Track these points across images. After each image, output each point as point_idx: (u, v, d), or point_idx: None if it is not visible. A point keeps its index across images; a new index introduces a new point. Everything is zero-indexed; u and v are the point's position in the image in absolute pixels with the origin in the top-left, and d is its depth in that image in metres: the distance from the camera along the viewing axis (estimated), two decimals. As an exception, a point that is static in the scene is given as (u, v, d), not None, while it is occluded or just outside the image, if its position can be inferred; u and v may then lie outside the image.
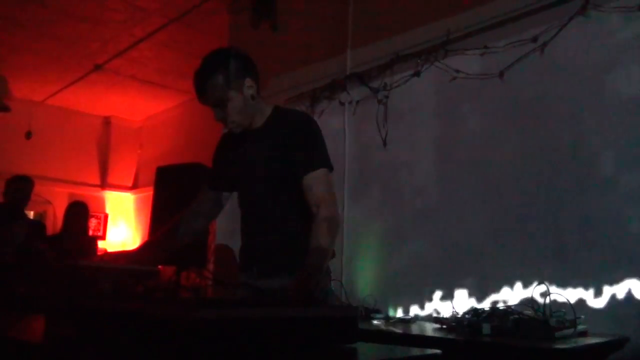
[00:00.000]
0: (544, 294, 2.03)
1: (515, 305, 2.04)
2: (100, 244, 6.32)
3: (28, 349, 1.27)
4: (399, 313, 2.82)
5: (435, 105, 3.01)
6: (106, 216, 7.36)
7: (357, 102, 3.38)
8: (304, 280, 1.50)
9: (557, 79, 2.53)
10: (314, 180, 1.79)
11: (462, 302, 2.65)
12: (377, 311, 2.72)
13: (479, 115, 2.81)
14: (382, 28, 3.33)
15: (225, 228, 3.87)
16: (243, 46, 2.15)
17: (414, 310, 2.87)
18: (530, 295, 2.06)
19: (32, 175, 4.39)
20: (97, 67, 5.80)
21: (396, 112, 3.17)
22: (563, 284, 2.32)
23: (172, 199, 3.57)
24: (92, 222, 6.70)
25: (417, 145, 3.05)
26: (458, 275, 2.74)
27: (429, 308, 2.80)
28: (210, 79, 1.77)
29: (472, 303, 2.59)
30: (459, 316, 2.13)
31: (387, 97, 3.21)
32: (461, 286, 2.70)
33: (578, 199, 2.37)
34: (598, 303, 2.22)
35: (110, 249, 6.83)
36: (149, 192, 5.08)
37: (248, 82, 1.83)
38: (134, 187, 7.62)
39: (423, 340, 1.97)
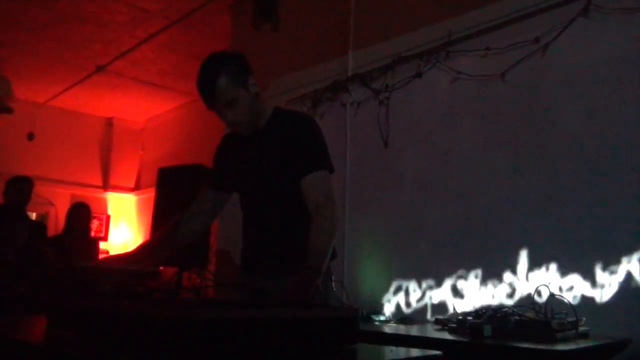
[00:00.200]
0: (546, 296, 2.03)
1: (516, 306, 2.03)
2: (102, 245, 6.33)
3: (29, 350, 1.27)
4: (400, 314, 2.82)
5: (437, 106, 3.01)
6: (108, 217, 7.37)
7: (359, 103, 3.38)
8: (302, 282, 1.50)
9: (559, 80, 2.53)
10: (314, 182, 1.80)
11: (463, 302, 2.65)
12: (378, 312, 2.72)
13: (480, 116, 2.81)
14: (383, 29, 3.34)
15: (227, 230, 3.87)
16: (245, 48, 2.16)
17: (415, 310, 2.87)
18: (531, 297, 2.05)
19: (34, 177, 4.40)
20: (99, 69, 5.81)
21: (398, 113, 3.17)
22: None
23: (174, 200, 3.58)
24: (94, 223, 6.71)
25: (419, 146, 3.05)
26: (461, 275, 2.73)
27: (431, 309, 2.79)
28: (217, 79, 1.77)
29: (475, 303, 2.58)
30: (460, 317, 2.12)
31: (388, 98, 3.20)
32: (464, 287, 2.70)
33: (578, 198, 2.37)
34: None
35: (112, 250, 6.85)
36: (150, 193, 5.09)
37: (251, 80, 1.84)
38: (135, 189, 7.63)
39: (424, 342, 1.97)
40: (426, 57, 3.05)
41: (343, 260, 3.19)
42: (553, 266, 2.39)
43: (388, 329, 2.35)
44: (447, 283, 2.78)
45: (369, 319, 2.61)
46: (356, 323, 1.29)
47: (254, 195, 1.94)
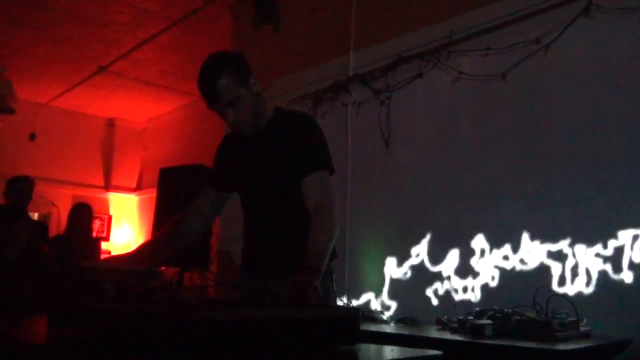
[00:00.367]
0: (547, 296, 2.03)
1: (517, 306, 2.03)
2: (104, 245, 6.34)
3: (31, 350, 1.27)
4: (401, 314, 2.81)
5: (438, 107, 3.01)
6: (110, 217, 7.38)
7: (360, 103, 3.38)
8: (301, 282, 1.50)
9: (560, 80, 2.53)
10: (313, 183, 1.80)
11: (465, 302, 2.65)
12: (379, 312, 2.72)
13: (481, 116, 2.81)
14: (384, 29, 3.34)
15: (228, 230, 3.87)
16: (246, 48, 2.16)
17: (417, 311, 2.86)
18: (532, 297, 2.05)
19: (36, 177, 4.40)
20: (101, 69, 5.82)
21: (399, 113, 3.17)
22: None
23: (175, 200, 3.58)
24: (96, 224, 6.72)
25: (420, 146, 3.05)
26: (462, 275, 2.73)
27: (432, 309, 2.79)
28: (219, 80, 1.77)
29: (477, 303, 2.58)
30: (462, 317, 2.13)
31: (389, 98, 3.21)
32: (466, 288, 2.70)
33: (580, 197, 2.37)
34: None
35: (114, 250, 6.86)
36: (152, 194, 5.10)
37: (252, 79, 1.84)
38: (137, 189, 7.64)
39: (425, 342, 1.97)
40: (427, 57, 3.05)
41: (344, 260, 3.19)
42: (557, 267, 2.40)
43: (389, 328, 2.35)
44: (448, 283, 2.78)
45: (369, 319, 2.61)
46: (357, 323, 1.30)
47: (255, 195, 1.94)
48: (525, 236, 2.52)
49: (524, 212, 2.54)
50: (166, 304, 1.24)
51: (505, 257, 2.57)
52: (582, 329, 1.98)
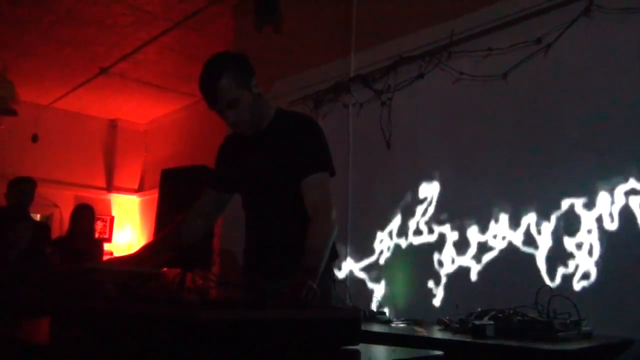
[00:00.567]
0: (548, 296, 2.03)
1: (519, 306, 2.04)
2: (107, 247, 6.35)
3: (33, 350, 1.28)
4: (403, 314, 2.82)
5: (439, 107, 3.01)
6: (112, 219, 7.39)
7: (361, 104, 3.38)
8: (298, 284, 1.50)
9: (561, 80, 2.53)
10: (312, 184, 1.80)
11: (466, 303, 2.65)
12: (381, 312, 2.72)
13: (482, 117, 2.81)
14: (385, 30, 3.34)
15: (230, 231, 3.88)
16: (247, 49, 2.16)
17: (418, 311, 2.87)
18: (534, 297, 2.05)
19: (38, 179, 4.41)
20: (103, 71, 5.83)
21: (400, 114, 3.17)
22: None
23: (177, 201, 3.59)
24: (98, 225, 6.73)
25: (421, 147, 3.05)
26: (463, 275, 2.73)
27: (433, 309, 2.79)
28: (220, 81, 1.77)
29: (478, 304, 2.58)
30: (463, 318, 2.13)
31: (390, 99, 3.21)
32: (466, 288, 2.70)
33: (581, 199, 2.37)
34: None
35: (116, 251, 6.87)
36: (154, 195, 5.10)
37: (253, 80, 1.84)
38: (139, 190, 7.64)
39: (426, 342, 1.97)
40: (428, 58, 3.05)
41: (345, 260, 3.19)
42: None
43: (390, 329, 2.36)
44: (450, 283, 2.78)
45: (371, 319, 2.62)
46: (358, 323, 1.30)
47: (256, 196, 1.95)
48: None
49: (526, 210, 2.54)
50: (168, 305, 1.24)
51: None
52: (584, 329, 1.98)
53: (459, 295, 2.69)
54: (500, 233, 2.62)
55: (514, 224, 2.58)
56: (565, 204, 2.42)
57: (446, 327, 2.23)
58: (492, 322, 1.95)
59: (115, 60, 5.58)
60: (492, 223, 2.66)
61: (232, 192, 2.05)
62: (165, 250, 1.95)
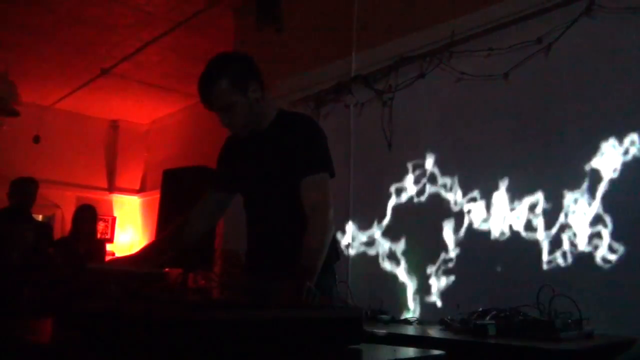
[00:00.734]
0: (550, 295, 2.03)
1: (520, 306, 2.04)
2: (109, 247, 6.36)
3: (35, 351, 1.28)
4: (405, 314, 2.82)
5: (440, 107, 3.01)
6: (114, 219, 7.40)
7: (362, 104, 3.38)
8: (295, 284, 1.50)
9: (562, 80, 2.53)
10: (311, 184, 1.80)
11: (468, 305, 2.65)
12: (383, 312, 2.72)
13: (484, 117, 2.81)
14: (386, 30, 3.34)
15: (232, 231, 3.88)
16: (248, 49, 2.16)
17: (420, 311, 2.87)
18: (535, 297, 2.05)
19: (40, 179, 4.42)
20: (104, 72, 5.84)
21: (401, 114, 3.18)
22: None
23: (179, 201, 3.59)
24: (100, 225, 6.74)
25: (422, 147, 3.05)
26: (464, 275, 2.74)
27: (435, 309, 2.80)
28: (215, 84, 1.78)
29: (479, 304, 2.58)
30: (465, 317, 2.13)
31: (392, 99, 3.21)
32: (468, 288, 2.70)
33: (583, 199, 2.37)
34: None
35: (118, 252, 6.88)
36: (155, 195, 5.11)
37: (252, 86, 1.83)
38: (141, 191, 7.65)
39: (428, 341, 1.97)
40: (429, 58, 3.05)
41: (347, 261, 3.20)
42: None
43: (392, 328, 2.36)
44: (453, 282, 2.78)
45: (372, 319, 2.62)
46: (360, 323, 1.30)
47: (256, 196, 1.95)
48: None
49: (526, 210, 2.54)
50: (171, 305, 1.25)
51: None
52: (586, 328, 1.98)
53: (459, 295, 2.69)
54: (502, 232, 2.62)
55: (516, 222, 2.58)
56: (567, 201, 2.42)
57: (448, 326, 2.23)
58: (493, 321, 1.95)
59: (117, 61, 5.59)
60: (492, 223, 2.66)
61: (233, 192, 2.05)
62: (167, 251, 1.95)
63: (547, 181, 2.50)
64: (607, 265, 2.25)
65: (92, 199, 6.67)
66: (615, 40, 2.38)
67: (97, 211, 4.67)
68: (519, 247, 2.55)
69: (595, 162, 2.36)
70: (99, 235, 5.62)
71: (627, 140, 2.29)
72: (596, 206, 2.33)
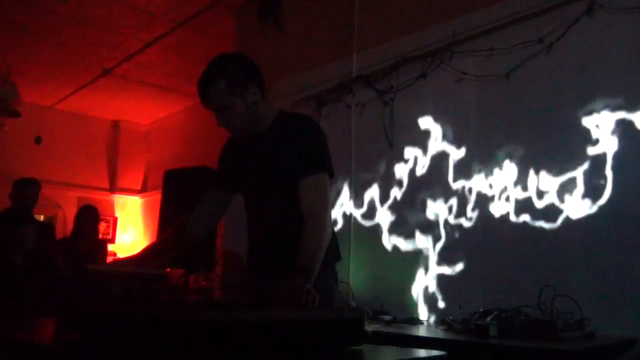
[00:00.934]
0: (551, 296, 2.03)
1: (522, 306, 2.04)
2: (110, 247, 6.36)
3: (37, 352, 1.29)
4: (406, 315, 2.82)
5: (442, 107, 3.01)
6: (115, 219, 7.41)
7: (363, 104, 3.38)
8: (294, 286, 1.50)
9: (563, 80, 2.53)
10: (309, 185, 1.80)
11: (469, 306, 2.65)
12: (384, 313, 2.73)
13: (485, 117, 2.81)
14: (387, 30, 3.34)
15: (233, 231, 3.88)
16: (249, 50, 2.17)
17: (421, 311, 2.87)
18: (537, 298, 2.05)
19: (42, 180, 4.42)
20: (106, 72, 5.85)
21: (402, 114, 3.18)
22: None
23: (180, 202, 3.59)
24: (102, 226, 6.75)
25: (424, 147, 3.05)
26: (465, 276, 2.74)
27: (436, 309, 2.80)
28: (213, 85, 1.78)
29: (480, 304, 2.58)
30: (466, 318, 2.13)
31: (393, 99, 3.21)
32: (469, 289, 2.70)
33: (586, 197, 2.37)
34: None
35: (119, 252, 6.88)
36: (157, 196, 5.11)
37: (251, 88, 1.83)
38: (142, 191, 7.66)
39: (430, 342, 1.97)
40: (430, 58, 3.05)
41: (348, 261, 3.20)
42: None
43: (393, 329, 2.36)
44: (454, 283, 2.78)
45: (374, 320, 2.62)
46: (362, 324, 1.30)
47: (256, 197, 1.95)
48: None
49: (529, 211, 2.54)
50: (173, 306, 1.25)
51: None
52: (587, 329, 1.98)
53: (461, 296, 2.69)
54: (506, 231, 2.62)
55: (516, 221, 2.58)
56: (567, 201, 2.42)
57: (449, 327, 2.23)
58: (494, 322, 1.95)
59: (118, 61, 5.60)
60: (493, 222, 2.66)
61: (234, 193, 2.05)
62: (169, 251, 1.96)
63: (547, 181, 2.50)
64: (608, 265, 2.25)
65: (94, 199, 6.67)
66: (617, 40, 2.38)
67: (99, 211, 4.68)
68: (519, 247, 2.55)
69: (596, 162, 2.36)
70: (100, 236, 5.62)
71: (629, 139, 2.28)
72: (597, 207, 2.32)
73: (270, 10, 3.91)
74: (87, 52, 5.43)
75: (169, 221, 3.53)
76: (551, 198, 2.48)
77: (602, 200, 2.31)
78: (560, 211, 2.44)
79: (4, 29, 4.97)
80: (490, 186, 2.71)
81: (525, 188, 2.58)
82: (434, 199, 2.95)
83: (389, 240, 3.14)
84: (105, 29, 4.93)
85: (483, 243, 2.70)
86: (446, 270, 2.82)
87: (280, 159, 1.86)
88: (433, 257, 2.89)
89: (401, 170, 3.13)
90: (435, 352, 1.31)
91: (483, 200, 2.73)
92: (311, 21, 3.88)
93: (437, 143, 2.99)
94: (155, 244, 2.03)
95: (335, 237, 1.97)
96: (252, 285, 1.98)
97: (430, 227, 2.94)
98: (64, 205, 6.84)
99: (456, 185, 2.86)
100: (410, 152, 3.11)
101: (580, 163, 2.40)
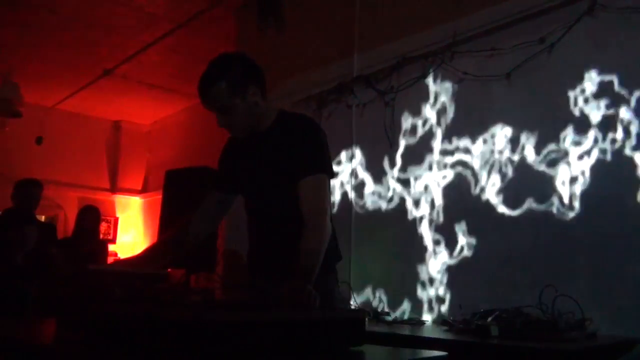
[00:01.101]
0: (553, 296, 2.02)
1: (523, 306, 2.03)
2: (111, 248, 6.37)
3: (39, 352, 1.29)
4: (407, 315, 2.82)
5: (442, 107, 3.01)
6: (116, 220, 7.42)
7: (364, 104, 3.38)
8: (295, 287, 1.50)
9: (565, 80, 2.53)
10: (308, 185, 1.80)
11: (470, 306, 2.65)
12: (385, 313, 2.73)
13: (486, 117, 2.81)
14: (388, 30, 3.34)
15: (234, 232, 3.89)
16: (250, 50, 2.17)
17: (422, 312, 2.87)
18: (538, 298, 2.05)
19: (43, 180, 4.43)
20: (107, 72, 5.85)
21: (403, 114, 3.17)
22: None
23: (181, 202, 3.60)
24: (103, 226, 6.76)
25: (424, 147, 3.05)
26: (466, 276, 2.73)
27: (437, 310, 2.79)
28: (213, 86, 1.78)
29: (481, 303, 2.58)
30: (467, 318, 2.13)
31: (394, 99, 3.21)
32: (470, 289, 2.70)
33: (588, 198, 2.36)
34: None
35: (120, 252, 6.89)
36: (158, 196, 5.12)
37: (252, 89, 1.83)
38: (143, 191, 7.67)
39: (431, 343, 1.97)
40: (431, 58, 3.05)
41: (349, 262, 3.20)
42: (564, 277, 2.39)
43: (395, 329, 2.36)
44: (455, 284, 2.78)
45: (375, 320, 2.62)
46: (363, 324, 1.30)
47: (257, 197, 1.95)
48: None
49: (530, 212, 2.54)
50: (174, 306, 1.25)
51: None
52: (589, 329, 1.97)
53: (462, 296, 2.69)
54: (503, 232, 2.62)
55: (516, 222, 2.58)
56: (569, 198, 2.42)
57: (450, 327, 2.23)
58: (495, 322, 1.95)
59: (119, 62, 5.60)
60: (493, 223, 2.66)
61: (234, 193, 2.05)
62: (170, 252, 1.96)
63: (548, 181, 2.50)
64: (610, 265, 2.25)
65: (95, 199, 6.69)
66: (618, 40, 2.37)
67: (100, 212, 4.68)
68: (520, 247, 2.54)
69: (597, 161, 2.35)
70: (101, 236, 5.63)
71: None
72: (597, 206, 2.32)
73: (270, 10, 3.91)
74: (88, 53, 5.44)
75: (170, 221, 3.54)
76: (551, 198, 2.47)
77: (603, 199, 2.31)
78: (560, 211, 2.43)
79: (5, 29, 4.97)
80: (491, 186, 2.71)
81: (525, 187, 2.57)
82: (435, 197, 2.95)
83: (390, 241, 3.14)
84: (106, 29, 4.94)
85: (484, 243, 2.69)
86: (447, 270, 2.82)
87: (281, 159, 1.86)
88: (434, 257, 2.89)
89: (402, 171, 3.13)
90: (436, 353, 1.31)
91: (483, 200, 2.73)
92: (312, 21, 3.88)
93: (438, 143, 2.99)
94: (156, 245, 2.04)
95: (336, 237, 1.97)
96: (252, 285, 1.98)
97: (432, 227, 2.93)
98: (65, 205, 6.85)
99: (457, 186, 2.86)
100: (410, 152, 3.11)
101: (582, 162, 2.40)
